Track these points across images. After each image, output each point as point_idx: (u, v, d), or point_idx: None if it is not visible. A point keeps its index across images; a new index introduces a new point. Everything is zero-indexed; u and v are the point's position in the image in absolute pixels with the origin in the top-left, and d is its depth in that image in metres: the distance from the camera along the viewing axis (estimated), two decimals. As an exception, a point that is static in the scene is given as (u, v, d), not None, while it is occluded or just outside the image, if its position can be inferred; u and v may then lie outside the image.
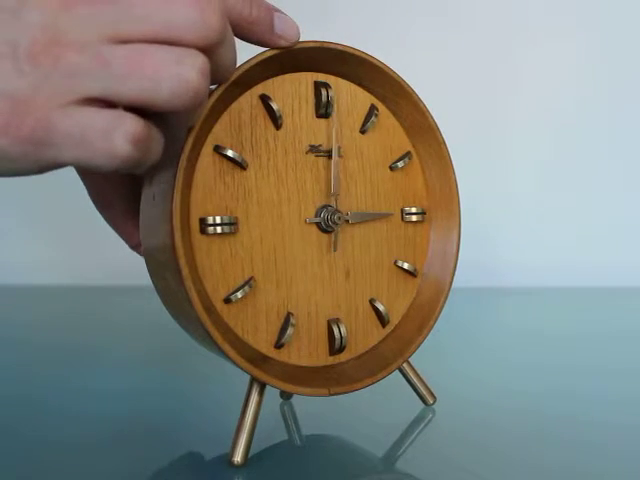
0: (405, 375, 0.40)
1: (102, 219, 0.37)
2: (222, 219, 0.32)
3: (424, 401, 0.40)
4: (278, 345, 0.34)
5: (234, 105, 0.33)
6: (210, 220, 0.32)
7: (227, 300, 0.32)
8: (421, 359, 0.39)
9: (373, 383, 0.35)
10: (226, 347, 0.31)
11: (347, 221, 0.36)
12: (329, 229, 0.35)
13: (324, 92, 0.35)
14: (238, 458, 0.32)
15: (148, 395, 0.45)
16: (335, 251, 0.36)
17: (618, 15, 0.95)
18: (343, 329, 0.36)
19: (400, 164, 0.38)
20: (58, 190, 1.03)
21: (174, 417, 0.40)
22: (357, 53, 0.35)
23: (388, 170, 0.38)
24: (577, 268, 0.92)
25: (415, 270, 0.39)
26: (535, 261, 0.94)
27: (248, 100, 0.33)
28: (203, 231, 0.32)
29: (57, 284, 1.02)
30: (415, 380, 0.40)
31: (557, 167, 0.97)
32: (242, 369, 0.31)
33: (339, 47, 0.34)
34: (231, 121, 0.33)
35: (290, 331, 0.34)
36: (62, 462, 0.35)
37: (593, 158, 0.97)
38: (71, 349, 0.61)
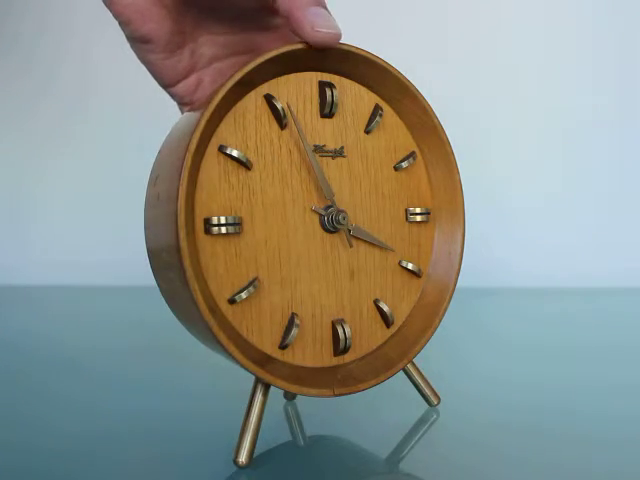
0: (409, 376, 0.39)
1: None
2: (227, 219, 0.32)
3: (428, 402, 0.40)
4: (283, 346, 0.34)
5: (239, 105, 0.33)
6: (215, 220, 0.31)
7: (232, 301, 0.32)
8: (425, 360, 0.39)
9: (377, 384, 0.35)
10: (231, 348, 0.30)
11: (349, 231, 0.36)
12: (332, 229, 0.35)
13: (329, 92, 0.35)
14: (243, 458, 0.32)
15: (150, 396, 0.45)
16: (351, 247, 0.36)
17: (620, 20, 0.95)
18: (347, 330, 0.36)
19: (404, 164, 0.38)
20: (57, 190, 1.03)
21: (177, 418, 0.40)
22: (362, 53, 0.35)
23: (392, 170, 0.38)
24: (580, 269, 0.92)
25: (419, 270, 0.39)
26: (539, 262, 0.94)
27: (253, 100, 0.33)
28: (208, 231, 0.32)
29: (57, 284, 1.02)
30: (419, 381, 0.40)
31: (557, 169, 0.97)
32: (247, 370, 0.31)
33: (344, 47, 0.34)
34: (236, 121, 0.33)
35: (294, 332, 0.34)
36: (62, 460, 0.34)
37: (591, 160, 0.97)
38: (70, 350, 0.61)
